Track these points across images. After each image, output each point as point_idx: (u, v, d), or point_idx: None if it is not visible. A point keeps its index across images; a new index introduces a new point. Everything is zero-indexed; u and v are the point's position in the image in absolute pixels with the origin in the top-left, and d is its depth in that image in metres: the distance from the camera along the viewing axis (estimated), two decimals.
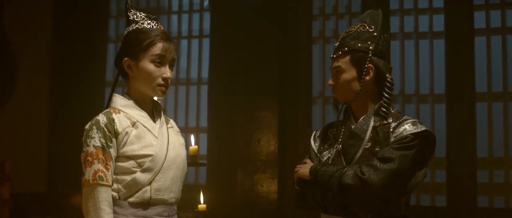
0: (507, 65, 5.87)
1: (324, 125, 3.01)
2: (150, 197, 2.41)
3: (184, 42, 6.86)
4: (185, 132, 5.93)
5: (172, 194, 2.48)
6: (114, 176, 2.40)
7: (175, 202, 2.53)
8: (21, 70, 6.52)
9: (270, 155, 6.07)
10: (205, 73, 6.72)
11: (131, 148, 2.40)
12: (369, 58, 2.62)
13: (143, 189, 2.40)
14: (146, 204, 2.41)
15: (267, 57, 6.19)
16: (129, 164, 2.40)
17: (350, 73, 2.64)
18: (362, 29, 2.67)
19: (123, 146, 2.39)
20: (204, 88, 6.69)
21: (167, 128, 2.54)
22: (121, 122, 2.42)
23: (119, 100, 2.49)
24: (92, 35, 6.90)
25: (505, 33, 5.93)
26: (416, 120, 2.60)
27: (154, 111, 2.55)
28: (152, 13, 2.61)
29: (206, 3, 6.84)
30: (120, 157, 2.40)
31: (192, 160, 4.59)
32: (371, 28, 2.67)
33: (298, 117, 6.23)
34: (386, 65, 2.67)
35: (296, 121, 6.22)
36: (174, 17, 6.96)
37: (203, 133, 6.58)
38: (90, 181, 2.34)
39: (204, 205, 4.95)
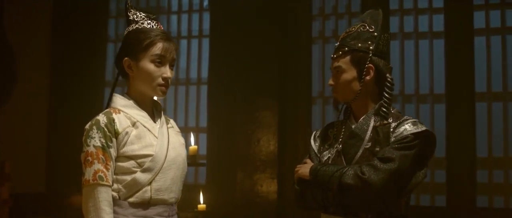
0: (507, 65, 5.87)
1: (323, 125, 3.02)
2: (150, 197, 2.41)
3: (183, 42, 6.86)
4: (184, 131, 5.92)
5: (172, 194, 2.48)
6: (114, 176, 2.40)
7: (175, 202, 2.53)
8: (20, 70, 6.52)
9: (269, 155, 6.07)
10: (204, 73, 6.71)
11: (131, 148, 2.40)
12: (369, 58, 2.62)
13: (143, 189, 2.40)
14: (146, 204, 2.41)
15: (267, 57, 6.19)
16: (129, 164, 2.39)
17: (350, 73, 2.64)
18: (362, 29, 2.67)
19: (123, 146, 2.39)
20: (204, 88, 6.69)
21: (167, 128, 2.55)
22: (121, 122, 2.41)
23: (119, 100, 2.49)
24: (91, 35, 6.90)
25: (504, 33, 5.93)
26: (416, 120, 2.60)
27: (154, 111, 2.56)
28: (152, 13, 2.61)
29: (205, 3, 6.84)
30: (120, 157, 2.40)
31: (192, 160, 4.59)
32: (372, 28, 2.67)
33: (298, 117, 6.23)
34: (386, 65, 2.67)
35: (295, 121, 6.22)
36: (174, 17, 6.96)
37: (203, 133, 6.58)
38: (90, 181, 2.34)
39: (204, 205, 4.95)
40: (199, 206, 4.93)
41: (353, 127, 2.65)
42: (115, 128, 2.39)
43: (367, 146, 2.58)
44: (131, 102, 2.48)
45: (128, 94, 2.52)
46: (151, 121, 2.50)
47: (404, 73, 6.10)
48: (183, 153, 2.57)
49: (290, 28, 6.26)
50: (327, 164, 2.64)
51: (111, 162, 2.38)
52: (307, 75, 6.28)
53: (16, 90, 6.44)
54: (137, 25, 2.53)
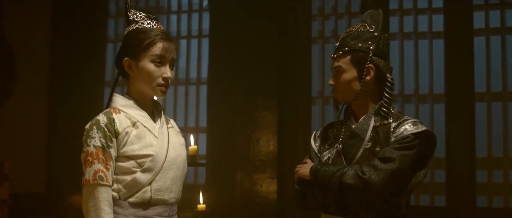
0: (506, 65, 5.87)
1: (323, 125, 3.02)
2: (150, 197, 2.41)
3: (183, 42, 6.85)
4: (184, 132, 5.92)
5: (172, 194, 2.48)
6: (114, 176, 2.40)
7: (175, 202, 2.53)
8: (20, 70, 6.52)
9: (269, 155, 6.07)
10: (204, 73, 6.71)
11: (131, 148, 2.39)
12: (369, 58, 2.62)
13: (143, 189, 2.40)
14: (146, 204, 2.41)
15: (266, 57, 6.19)
16: (129, 164, 2.39)
17: (350, 73, 2.64)
18: (362, 29, 2.68)
19: (123, 146, 2.39)
20: (203, 88, 6.69)
21: (168, 128, 2.55)
22: (121, 121, 2.41)
23: (119, 100, 2.49)
24: (91, 35, 6.90)
25: (504, 33, 5.92)
26: (417, 120, 2.60)
27: (154, 111, 2.56)
28: (152, 13, 2.61)
29: (205, 3, 6.84)
30: (120, 157, 2.40)
31: (191, 160, 4.59)
32: (372, 28, 2.67)
33: (298, 117, 6.23)
34: (386, 65, 2.67)
35: (295, 121, 6.22)
36: (173, 17, 6.95)
37: (202, 133, 6.57)
38: (90, 181, 2.34)
39: (204, 205, 4.95)
40: (198, 206, 4.93)
41: (353, 126, 2.65)
42: (115, 128, 2.39)
43: (367, 146, 2.58)
44: (131, 102, 2.48)
45: (128, 94, 2.52)
46: (151, 121, 2.50)
47: (404, 73, 6.10)
48: (183, 153, 2.57)
49: (289, 28, 6.26)
50: (327, 164, 2.64)
51: (111, 162, 2.38)
52: (306, 75, 6.28)
53: (15, 91, 6.44)
54: (137, 25, 2.53)
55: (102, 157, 2.35)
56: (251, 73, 6.21)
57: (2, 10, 6.43)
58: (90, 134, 2.38)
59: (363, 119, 2.64)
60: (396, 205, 2.57)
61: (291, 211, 5.89)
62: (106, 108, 2.51)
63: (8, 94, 6.37)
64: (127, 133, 2.40)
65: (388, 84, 2.64)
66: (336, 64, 2.68)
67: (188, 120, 6.70)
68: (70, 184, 5.74)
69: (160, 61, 2.46)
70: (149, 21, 2.55)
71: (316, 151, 2.76)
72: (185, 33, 6.87)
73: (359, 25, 2.70)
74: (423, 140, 2.53)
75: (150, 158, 2.40)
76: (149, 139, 2.43)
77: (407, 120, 2.59)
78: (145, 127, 2.45)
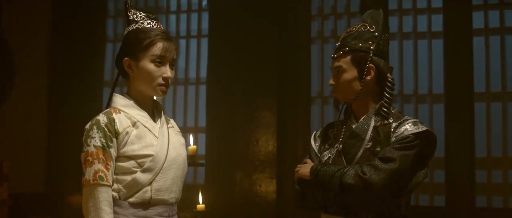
0: (506, 65, 5.86)
1: (322, 125, 3.02)
2: (151, 197, 2.41)
3: (182, 42, 6.85)
4: (183, 131, 5.87)
5: (172, 194, 2.48)
6: (115, 176, 2.39)
7: (175, 202, 2.53)
8: (19, 70, 6.52)
9: (268, 155, 6.07)
10: (203, 73, 6.70)
11: (132, 148, 2.39)
12: (370, 58, 2.63)
13: (144, 189, 2.40)
14: (146, 204, 2.41)
15: (266, 57, 6.19)
16: (130, 164, 2.39)
17: (351, 73, 2.64)
18: (363, 29, 2.68)
19: (124, 146, 2.39)
20: (203, 88, 6.68)
21: (168, 128, 2.55)
22: (121, 121, 2.41)
23: (119, 100, 2.49)
24: (90, 35, 6.89)
25: (503, 33, 5.92)
26: (417, 120, 2.60)
27: (154, 111, 2.55)
28: (151, 13, 2.61)
29: (204, 2, 6.83)
30: (121, 157, 2.40)
31: (191, 160, 4.59)
32: (372, 28, 2.67)
33: (297, 117, 6.23)
34: (387, 65, 2.67)
35: (294, 121, 6.22)
36: (173, 17, 6.94)
37: (202, 133, 6.57)
38: (91, 181, 2.34)
39: (203, 205, 4.95)
40: (198, 206, 4.93)
41: (353, 126, 2.66)
42: (116, 128, 2.39)
43: (368, 146, 2.58)
44: (131, 102, 2.48)
45: (128, 94, 2.52)
46: (152, 121, 2.49)
47: (403, 73, 6.10)
48: (183, 153, 2.57)
49: (289, 28, 6.26)
50: (328, 164, 2.64)
51: (111, 162, 2.37)
52: (306, 75, 6.28)
53: (15, 90, 6.44)
54: (137, 25, 2.53)
55: (102, 157, 2.35)
56: (250, 73, 6.21)
57: (1, 10, 6.43)
58: (90, 133, 2.37)
59: (363, 118, 2.65)
60: (396, 205, 2.57)
61: (291, 211, 5.89)
62: (106, 108, 2.50)
63: (7, 94, 6.37)
64: (127, 133, 2.40)
65: (389, 84, 2.65)
66: (337, 64, 2.68)
67: (187, 119, 6.70)
68: (69, 184, 5.74)
69: (160, 61, 2.46)
70: (149, 21, 2.55)
71: (316, 151, 2.76)
72: (184, 33, 6.87)
73: (359, 25, 2.70)
74: (423, 140, 2.53)
75: (150, 158, 2.40)
76: (149, 139, 2.43)
77: (407, 120, 2.59)
78: (145, 127, 2.45)
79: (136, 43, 2.46)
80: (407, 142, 2.50)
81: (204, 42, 6.73)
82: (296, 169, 2.71)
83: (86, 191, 2.36)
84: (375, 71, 2.64)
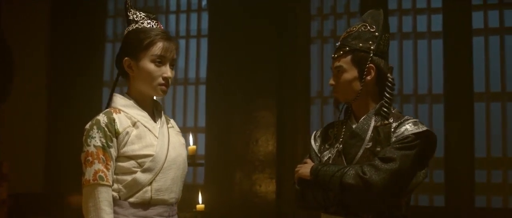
0: (505, 65, 5.86)
1: (322, 125, 3.02)
2: (151, 197, 2.41)
3: (182, 42, 6.84)
4: (183, 131, 5.87)
5: (172, 194, 2.48)
6: (115, 176, 2.39)
7: (175, 202, 2.53)
8: (19, 70, 6.52)
9: (268, 155, 6.07)
10: (203, 73, 6.70)
11: (132, 148, 2.39)
12: (370, 58, 2.63)
13: (144, 189, 2.40)
14: (146, 204, 2.41)
15: (265, 57, 6.19)
16: (130, 164, 2.39)
17: (351, 73, 2.64)
18: (363, 29, 2.68)
19: (124, 145, 2.39)
20: (202, 88, 6.68)
21: (168, 128, 2.54)
22: (121, 121, 2.41)
23: (119, 100, 2.49)
24: (90, 35, 6.89)
25: (503, 33, 5.92)
26: (417, 120, 2.60)
27: (154, 111, 2.55)
28: (151, 13, 2.61)
29: (204, 2, 6.83)
30: (121, 157, 2.40)
31: (190, 160, 4.57)
32: (373, 28, 2.67)
33: (296, 117, 6.23)
34: (387, 65, 2.67)
35: (294, 121, 6.22)
36: (172, 17, 6.94)
37: (201, 133, 6.57)
38: (91, 181, 2.34)
39: (202, 205, 4.94)
40: (197, 206, 4.92)
41: (353, 126, 2.65)
42: (116, 128, 2.39)
43: (368, 146, 2.58)
44: (131, 102, 2.48)
45: (128, 94, 2.52)
46: (152, 121, 2.49)
47: (403, 73, 6.10)
48: (183, 153, 2.57)
49: (288, 28, 6.25)
50: (328, 164, 2.63)
51: (112, 162, 2.37)
52: (305, 75, 6.27)
53: (15, 90, 6.44)
54: (137, 25, 2.53)
55: (103, 157, 2.35)
56: (250, 73, 6.21)
57: (1, 10, 6.43)
58: (90, 133, 2.37)
59: (363, 118, 2.64)
60: (396, 205, 2.57)
61: (290, 211, 5.89)
62: (106, 108, 2.50)
63: (7, 94, 6.37)
64: (127, 132, 2.40)
65: (389, 84, 2.65)
66: (337, 64, 2.68)
67: (187, 119, 6.70)
68: (69, 184, 5.74)
69: (160, 61, 2.46)
70: (149, 20, 2.55)
71: (317, 150, 2.76)
72: (183, 33, 6.86)
73: (360, 25, 2.70)
74: (423, 140, 2.53)
75: (150, 158, 2.40)
76: (150, 139, 2.43)
77: (407, 120, 2.59)
78: (145, 127, 2.44)
79: (136, 43, 2.46)
80: (407, 142, 2.50)
81: (204, 42, 6.73)
82: (296, 169, 2.70)
83: (86, 191, 2.35)
84: (375, 71, 2.63)
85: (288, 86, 6.23)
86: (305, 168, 2.65)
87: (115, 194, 2.38)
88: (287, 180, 5.91)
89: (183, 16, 6.91)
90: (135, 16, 2.54)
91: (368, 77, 2.63)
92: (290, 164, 5.88)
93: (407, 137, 2.51)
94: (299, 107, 6.24)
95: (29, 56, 6.76)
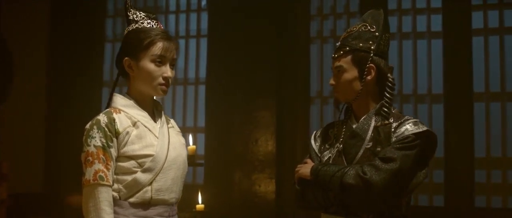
0: (505, 65, 5.86)
1: (322, 125, 3.02)
2: (151, 197, 2.41)
3: (181, 42, 6.83)
4: (182, 132, 5.87)
5: (172, 194, 2.48)
6: (115, 176, 2.39)
7: (175, 202, 2.53)
8: (19, 70, 6.52)
9: (268, 155, 6.07)
10: (202, 73, 6.70)
11: (132, 148, 2.39)
12: (370, 58, 2.63)
13: (144, 189, 2.40)
14: (146, 204, 2.41)
15: (265, 57, 6.18)
16: (130, 164, 2.39)
17: (351, 73, 2.65)
18: (363, 29, 2.68)
19: (124, 145, 2.39)
20: (202, 88, 6.68)
21: (168, 128, 2.54)
22: (121, 121, 2.41)
23: (119, 100, 2.48)
24: (89, 35, 6.89)
25: (503, 33, 5.92)
26: (417, 120, 2.60)
27: (154, 111, 2.55)
28: (151, 13, 2.61)
29: (203, 2, 6.82)
30: (121, 157, 2.40)
31: (190, 160, 4.54)
32: (373, 28, 2.68)
33: (296, 117, 6.22)
34: (387, 65, 2.68)
35: (294, 121, 6.22)
36: (172, 17, 6.94)
37: (201, 133, 6.57)
38: (91, 181, 2.33)
39: (202, 205, 4.94)
40: (197, 206, 4.92)
41: (354, 126, 2.66)
42: (116, 128, 2.38)
43: (368, 146, 2.58)
44: (131, 102, 2.48)
45: (128, 94, 2.52)
46: (152, 121, 2.49)
47: (402, 73, 6.10)
48: (183, 153, 2.57)
49: (288, 28, 6.25)
50: (328, 164, 2.63)
51: (112, 162, 2.37)
52: (305, 75, 6.27)
53: (14, 90, 6.44)
54: (137, 25, 2.53)
55: (103, 157, 2.35)
56: (249, 73, 6.21)
57: (1, 10, 6.43)
58: (90, 133, 2.37)
59: (363, 118, 2.65)
60: (396, 205, 2.57)
61: (290, 211, 5.89)
62: (107, 108, 2.50)
63: (6, 94, 6.37)
64: (127, 132, 2.40)
65: (389, 84, 2.65)
66: (337, 64, 2.68)
67: (187, 119, 6.70)
68: (69, 184, 5.73)
69: (160, 60, 2.46)
70: (149, 20, 2.55)
71: (317, 150, 2.76)
72: (183, 33, 6.86)
73: (360, 25, 2.70)
74: (424, 140, 2.54)
75: (150, 158, 2.40)
76: (150, 139, 2.43)
77: (408, 120, 2.59)
78: (145, 126, 2.44)
79: (136, 43, 2.46)
80: (407, 142, 2.50)
81: (203, 42, 6.72)
82: (297, 169, 2.71)
83: (86, 191, 2.35)
84: (375, 71, 2.64)
85: (287, 86, 6.22)
86: (305, 168, 2.65)
87: (115, 194, 2.38)
88: (286, 180, 5.91)
89: (182, 16, 6.90)
90: (135, 16, 2.54)
91: (369, 77, 2.63)
92: (289, 164, 5.88)
93: (408, 137, 2.51)
94: (298, 107, 6.23)
95: (29, 56, 6.76)
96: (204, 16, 6.75)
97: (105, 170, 2.34)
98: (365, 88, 2.64)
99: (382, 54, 2.67)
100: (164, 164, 2.43)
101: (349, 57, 2.65)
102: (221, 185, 6.18)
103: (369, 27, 2.68)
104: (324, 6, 6.41)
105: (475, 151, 5.78)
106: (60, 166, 6.49)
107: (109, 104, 2.52)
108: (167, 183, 2.44)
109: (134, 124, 2.43)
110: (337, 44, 2.75)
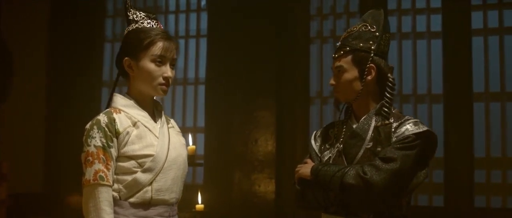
0: (505, 65, 5.86)
1: (321, 125, 3.02)
2: (151, 197, 2.41)
3: (181, 42, 6.83)
4: (182, 132, 5.87)
5: (173, 194, 2.48)
6: (115, 176, 2.39)
7: (175, 202, 2.53)
8: (19, 70, 6.52)
9: (267, 155, 6.07)
10: (202, 73, 6.70)
11: (132, 148, 2.39)
12: (371, 58, 2.63)
13: (144, 189, 2.40)
14: (147, 204, 2.41)
15: (265, 57, 6.18)
16: (130, 164, 2.39)
17: (351, 73, 2.65)
18: (364, 29, 2.68)
19: (124, 145, 2.39)
20: (202, 88, 6.68)
21: (168, 128, 2.54)
22: (122, 121, 2.41)
23: (119, 100, 2.48)
24: (89, 35, 6.89)
25: (502, 33, 5.92)
26: (418, 120, 2.60)
27: (154, 111, 2.55)
28: (151, 13, 2.61)
29: (203, 2, 6.83)
30: (121, 157, 2.39)
31: (190, 160, 4.54)
32: (373, 28, 2.68)
33: (296, 117, 6.22)
34: (387, 65, 2.68)
35: (293, 121, 6.21)
36: (171, 17, 6.94)
37: (201, 133, 6.57)
38: (91, 181, 2.33)
39: (202, 205, 4.94)
40: (197, 206, 4.92)
41: (354, 126, 2.66)
42: (116, 128, 2.38)
43: (369, 146, 2.58)
44: (131, 102, 2.48)
45: (128, 94, 2.52)
46: (152, 121, 2.49)
47: (402, 73, 6.10)
48: (183, 153, 2.57)
49: (288, 28, 6.25)
50: (328, 163, 2.63)
51: (112, 162, 2.37)
52: (305, 75, 6.27)
53: (14, 90, 6.44)
54: (137, 25, 2.53)
55: (103, 157, 2.34)
56: (249, 73, 6.20)
57: (1, 10, 6.43)
58: (90, 133, 2.37)
59: (364, 118, 2.65)
60: (397, 205, 2.57)
61: (290, 211, 5.89)
62: (107, 108, 2.50)
63: (6, 94, 6.37)
64: (127, 132, 2.40)
65: (389, 84, 2.65)
66: (337, 64, 2.68)
67: (186, 119, 6.70)
68: (69, 184, 5.74)
69: (160, 60, 2.45)
70: (149, 20, 2.55)
71: (317, 150, 2.76)
72: (183, 33, 6.86)
73: (360, 25, 2.70)
74: (424, 140, 2.54)
75: (150, 158, 2.40)
76: (150, 139, 2.43)
77: (408, 120, 2.59)
78: (145, 127, 2.44)
79: (136, 43, 2.46)
80: (408, 142, 2.50)
81: (203, 42, 6.72)
82: (297, 169, 2.71)
83: (86, 191, 2.35)
84: (375, 71, 2.64)
85: (287, 86, 6.22)
86: (306, 168, 2.65)
87: (115, 194, 2.38)
88: (286, 180, 5.91)
89: (182, 16, 6.90)
90: (135, 16, 2.54)
91: (369, 77, 2.64)
92: (289, 164, 5.88)
93: (408, 137, 2.51)
94: (298, 107, 6.23)
95: (29, 56, 6.76)
96: (204, 16, 6.75)
97: (105, 170, 2.34)
98: (366, 88, 2.64)
99: (383, 54, 2.67)
100: (164, 164, 2.43)
101: (349, 57, 2.65)
102: (221, 185, 6.18)
103: (369, 27, 2.68)
104: (324, 6, 6.41)
105: (474, 151, 5.78)
106: (60, 166, 6.49)
107: (109, 104, 2.52)
108: (167, 183, 2.44)
109: (134, 124, 2.43)
110: (338, 44, 2.75)
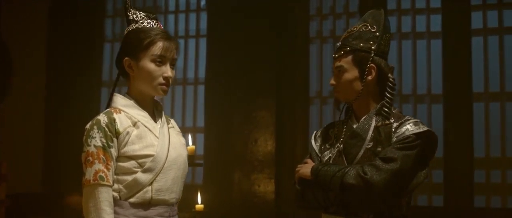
0: (504, 65, 5.87)
1: (321, 125, 3.02)
2: (151, 197, 2.41)
3: (181, 42, 6.81)
4: (182, 131, 5.86)
5: (173, 194, 2.47)
6: (115, 176, 2.39)
7: (176, 203, 2.53)
8: (19, 70, 6.52)
9: (267, 155, 6.07)
10: (202, 73, 6.70)
11: (132, 148, 2.39)
12: (371, 58, 2.63)
13: (144, 190, 2.40)
14: (147, 204, 2.40)
15: (265, 57, 6.19)
16: (130, 164, 2.39)
17: (352, 73, 2.64)
18: (364, 29, 2.68)
19: (124, 146, 2.38)
20: (201, 88, 6.68)
21: (168, 128, 2.54)
22: (122, 121, 2.41)
23: (120, 100, 2.48)
24: (89, 35, 6.89)
25: (502, 33, 5.93)
26: (418, 120, 2.60)
27: (154, 111, 2.55)
28: (151, 13, 2.61)
29: (203, 2, 6.83)
30: (121, 157, 2.39)
31: (189, 160, 4.54)
32: (373, 28, 2.67)
33: (296, 117, 6.22)
34: (388, 65, 2.67)
35: (293, 121, 6.22)
36: (171, 17, 6.94)
37: (200, 133, 6.57)
38: (91, 181, 2.33)
39: (202, 205, 4.94)
40: (196, 206, 4.93)
41: (354, 126, 2.65)
42: (116, 128, 2.38)
43: (369, 146, 2.58)
44: (131, 102, 2.48)
45: (128, 94, 2.51)
46: (152, 121, 2.49)
47: (402, 73, 6.10)
48: (184, 153, 2.56)
49: (288, 28, 6.25)
50: (328, 163, 2.63)
51: (112, 162, 2.37)
52: (304, 75, 6.27)
53: (14, 90, 6.44)
54: (137, 25, 2.52)
55: (103, 157, 2.34)
56: (249, 73, 6.21)
57: (1, 10, 6.43)
58: (90, 133, 2.37)
59: (364, 118, 2.64)
60: (397, 205, 2.57)
61: (289, 211, 5.89)
62: (107, 108, 2.50)
63: (5, 94, 6.37)
64: (128, 132, 2.39)
65: (390, 84, 2.65)
66: (338, 64, 2.68)
67: (186, 119, 6.70)
68: (68, 184, 5.73)
69: (160, 60, 2.45)
70: (149, 20, 2.54)
71: (317, 150, 2.75)
72: (182, 33, 6.86)
73: (360, 25, 2.70)
74: (424, 140, 2.53)
75: (151, 158, 2.39)
76: (150, 139, 2.43)
77: (408, 120, 2.59)
78: (146, 127, 2.44)
79: (136, 43, 2.46)
80: (408, 142, 2.50)
81: (203, 42, 6.73)
82: (297, 169, 2.70)
83: (86, 191, 2.35)
84: (376, 71, 2.63)
85: (287, 86, 6.22)
86: (306, 168, 2.65)
87: (115, 194, 2.38)
88: (286, 180, 5.92)
89: (182, 16, 6.91)
90: (135, 16, 2.54)
91: (369, 77, 2.63)
92: (289, 164, 5.88)
93: (408, 137, 2.51)
94: (298, 108, 6.24)
95: (29, 56, 6.76)
96: (204, 16, 6.75)
97: (105, 170, 2.34)
98: (366, 88, 2.64)
99: (383, 55, 2.67)
100: (164, 164, 2.42)
101: (349, 57, 2.65)
102: (221, 185, 6.18)
103: (369, 27, 2.67)
104: (324, 6, 6.41)
105: (474, 151, 5.79)
106: (59, 166, 6.49)
107: (109, 104, 2.51)
108: (168, 183, 2.44)
109: (135, 124, 2.43)
110: (338, 44, 2.74)
